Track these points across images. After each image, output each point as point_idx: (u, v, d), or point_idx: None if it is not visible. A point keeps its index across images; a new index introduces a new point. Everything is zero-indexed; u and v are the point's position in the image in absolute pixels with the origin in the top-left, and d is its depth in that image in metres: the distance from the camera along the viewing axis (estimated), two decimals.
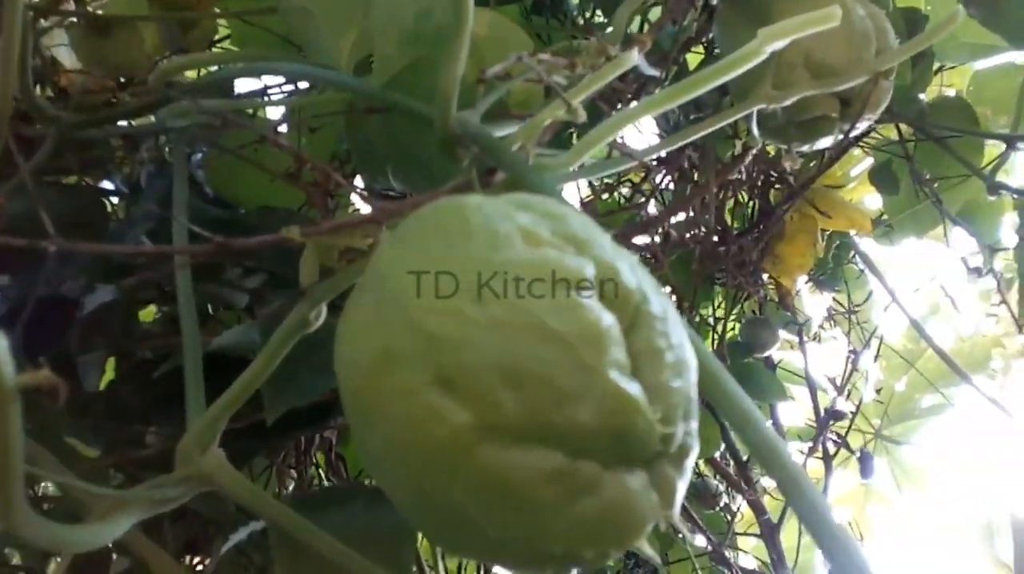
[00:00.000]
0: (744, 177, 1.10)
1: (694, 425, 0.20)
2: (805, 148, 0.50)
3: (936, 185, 0.82)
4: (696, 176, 0.81)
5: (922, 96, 0.86)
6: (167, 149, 0.61)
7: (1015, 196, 0.73)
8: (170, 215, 0.45)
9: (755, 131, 0.45)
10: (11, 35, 0.43)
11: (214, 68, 0.74)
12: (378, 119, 0.53)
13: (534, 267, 0.18)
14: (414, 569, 0.63)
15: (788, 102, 0.43)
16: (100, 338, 0.60)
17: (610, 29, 0.51)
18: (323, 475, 0.72)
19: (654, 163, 0.74)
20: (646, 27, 0.83)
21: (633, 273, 0.20)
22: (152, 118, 0.55)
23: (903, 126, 0.90)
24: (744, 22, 0.50)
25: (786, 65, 0.45)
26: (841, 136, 0.47)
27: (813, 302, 1.50)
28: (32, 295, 0.56)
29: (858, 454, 1.31)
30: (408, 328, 0.19)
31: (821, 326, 1.39)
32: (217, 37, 0.91)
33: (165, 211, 0.45)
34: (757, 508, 1.31)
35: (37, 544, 0.26)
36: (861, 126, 0.48)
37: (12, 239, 0.33)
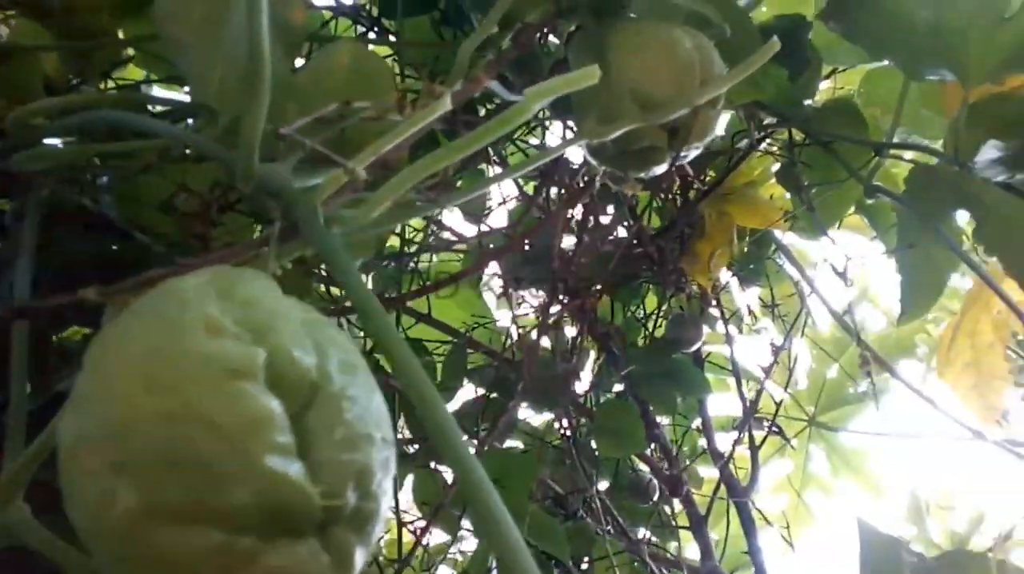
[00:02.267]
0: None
1: (376, 487, 0.22)
2: (641, 175, 0.52)
3: (814, 191, 0.85)
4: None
5: (809, 101, 0.89)
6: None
7: (893, 200, 0.76)
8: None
9: (591, 159, 0.47)
10: None
11: None
12: None
13: (207, 358, 0.20)
14: None
15: (616, 135, 0.45)
16: None
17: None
18: None
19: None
20: None
21: (314, 354, 0.22)
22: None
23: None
24: (590, 57, 0.52)
25: (617, 99, 0.47)
26: (670, 161, 0.50)
27: (745, 295, 1.53)
28: None
29: None
30: (95, 416, 0.20)
31: (744, 320, 1.42)
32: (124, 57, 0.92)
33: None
34: (686, 502, 1.35)
35: None
36: (691, 153, 0.51)
37: None
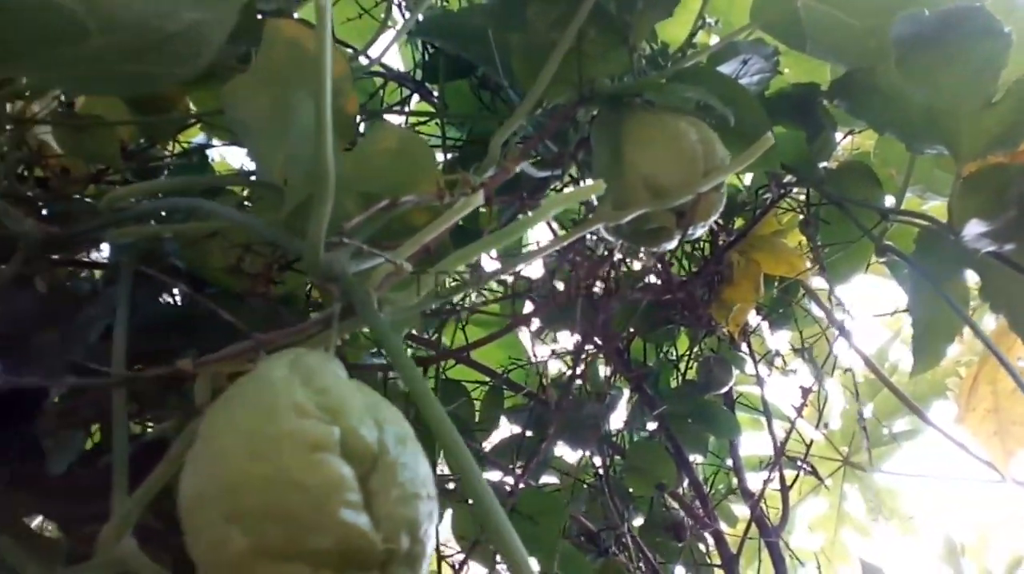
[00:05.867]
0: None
1: (423, 535, 0.28)
2: (653, 249, 0.58)
3: (826, 250, 0.90)
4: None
5: (824, 163, 0.95)
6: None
7: (902, 259, 0.80)
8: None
9: (608, 236, 0.54)
10: None
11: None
12: None
13: (295, 435, 0.27)
14: None
15: (628, 218, 0.52)
16: (68, 421, 0.68)
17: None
18: None
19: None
20: None
21: (375, 431, 0.28)
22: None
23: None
24: (605, 142, 0.59)
25: (630, 186, 0.54)
26: (678, 239, 0.56)
27: (778, 337, 1.57)
28: None
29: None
30: (213, 477, 0.27)
31: (774, 363, 1.46)
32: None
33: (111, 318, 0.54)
34: (718, 538, 1.38)
35: None
36: (697, 231, 0.57)
37: None
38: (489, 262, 1.33)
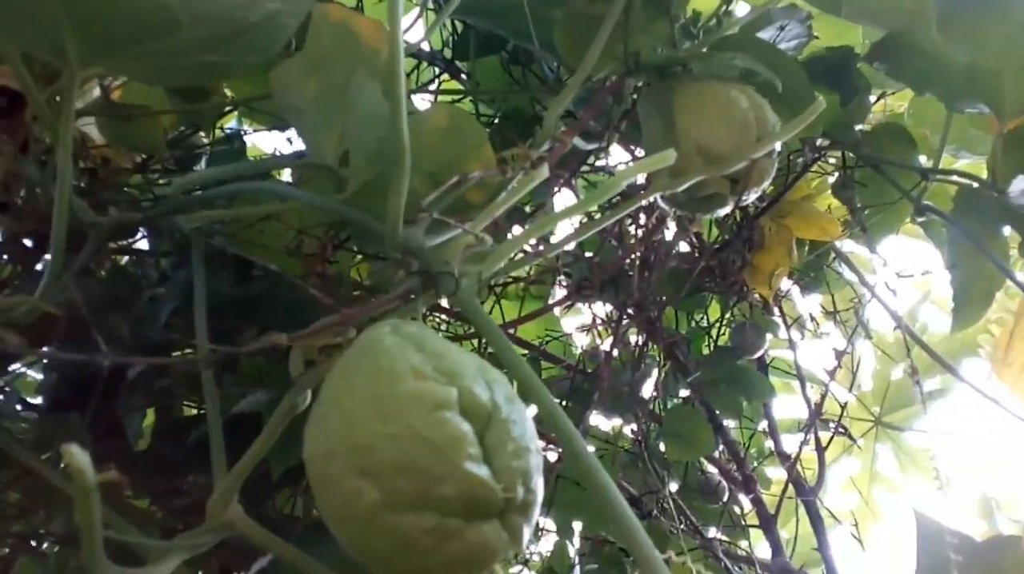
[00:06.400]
0: None
1: (535, 485, 0.30)
2: (707, 216, 0.60)
3: (867, 212, 0.91)
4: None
5: (860, 126, 0.95)
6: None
7: (942, 218, 0.82)
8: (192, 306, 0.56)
9: (663, 205, 0.55)
10: (64, 166, 0.53)
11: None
12: None
13: (418, 396, 0.29)
14: None
15: (684, 186, 0.54)
16: (139, 398, 0.71)
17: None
18: None
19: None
20: None
21: (487, 391, 0.31)
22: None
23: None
24: (655, 112, 0.60)
25: (684, 155, 0.55)
26: (732, 204, 0.58)
27: (808, 301, 1.59)
28: (72, 364, 0.67)
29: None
30: (341, 436, 0.30)
31: (806, 327, 1.47)
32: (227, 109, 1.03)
33: (188, 302, 0.57)
34: (755, 501, 1.41)
35: None
36: (751, 196, 0.58)
37: (72, 354, 0.44)
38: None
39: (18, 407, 0.74)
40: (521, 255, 0.49)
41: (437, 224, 0.51)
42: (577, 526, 1.31)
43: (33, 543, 0.59)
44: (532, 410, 0.36)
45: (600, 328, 1.39)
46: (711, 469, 1.47)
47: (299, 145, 1.05)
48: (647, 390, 1.39)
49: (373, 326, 0.36)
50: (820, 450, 1.44)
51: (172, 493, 0.57)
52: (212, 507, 0.41)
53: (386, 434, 0.29)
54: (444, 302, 0.89)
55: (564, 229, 1.31)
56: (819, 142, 1.04)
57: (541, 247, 0.50)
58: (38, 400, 0.75)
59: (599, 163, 1.29)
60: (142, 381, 0.67)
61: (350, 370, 0.32)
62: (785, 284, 1.45)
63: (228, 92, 0.98)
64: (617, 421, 1.36)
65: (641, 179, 0.87)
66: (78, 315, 0.65)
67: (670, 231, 1.30)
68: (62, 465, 0.57)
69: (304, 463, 0.32)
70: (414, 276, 0.44)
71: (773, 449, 1.50)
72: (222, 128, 1.11)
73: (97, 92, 0.85)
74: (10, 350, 0.45)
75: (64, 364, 0.68)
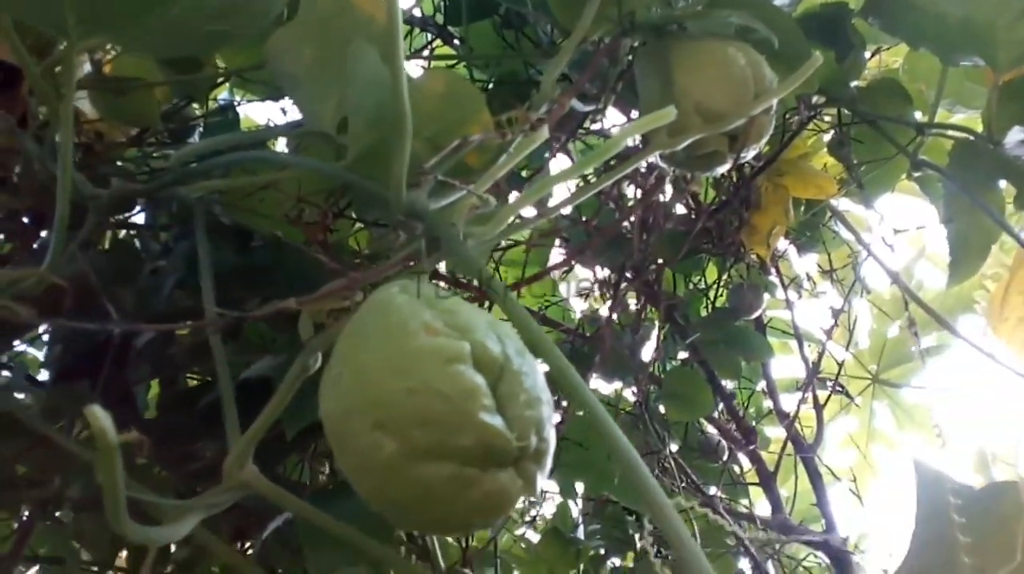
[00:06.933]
0: None
1: (547, 434, 0.31)
2: (706, 174, 0.60)
3: (863, 167, 0.91)
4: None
5: (855, 82, 0.95)
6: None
7: (938, 173, 0.82)
8: (196, 277, 0.56)
9: (661, 164, 0.56)
10: (66, 139, 0.54)
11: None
12: None
13: (431, 351, 0.30)
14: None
15: (683, 144, 0.54)
16: (146, 367, 0.72)
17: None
18: None
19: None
20: None
21: (499, 344, 0.31)
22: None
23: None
24: (652, 72, 0.60)
25: (682, 112, 0.55)
26: (731, 162, 0.58)
27: (805, 261, 1.59)
28: (80, 335, 0.68)
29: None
30: (357, 393, 0.30)
31: (803, 287, 1.48)
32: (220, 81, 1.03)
33: (191, 272, 0.57)
34: (754, 459, 1.43)
35: (134, 541, 0.38)
36: (749, 153, 0.59)
37: (85, 323, 0.44)
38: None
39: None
40: (519, 220, 0.50)
41: (440, 188, 0.51)
42: (580, 488, 1.33)
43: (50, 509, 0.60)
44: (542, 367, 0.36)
45: (598, 293, 1.40)
46: (711, 429, 1.49)
47: (293, 116, 1.05)
48: (646, 353, 1.40)
49: (381, 287, 0.37)
50: (818, 408, 1.46)
51: (184, 458, 0.58)
52: (229, 467, 0.42)
53: (402, 388, 0.29)
54: (443, 268, 0.89)
55: (560, 194, 1.33)
56: (815, 99, 1.05)
57: (539, 211, 0.51)
58: (41, 377, 0.76)
59: (595, 127, 1.29)
60: (149, 350, 0.68)
61: (362, 330, 0.33)
62: (782, 244, 1.46)
63: (220, 63, 0.97)
64: (617, 384, 1.37)
65: (637, 142, 0.87)
66: (83, 287, 0.66)
67: (666, 194, 1.31)
68: (75, 432, 0.58)
69: (311, 428, 0.33)
70: (419, 239, 0.45)
71: (772, 408, 1.52)
72: (215, 99, 1.11)
73: (88, 67, 0.84)
74: (22, 320, 0.46)
75: (70, 336, 0.69)
